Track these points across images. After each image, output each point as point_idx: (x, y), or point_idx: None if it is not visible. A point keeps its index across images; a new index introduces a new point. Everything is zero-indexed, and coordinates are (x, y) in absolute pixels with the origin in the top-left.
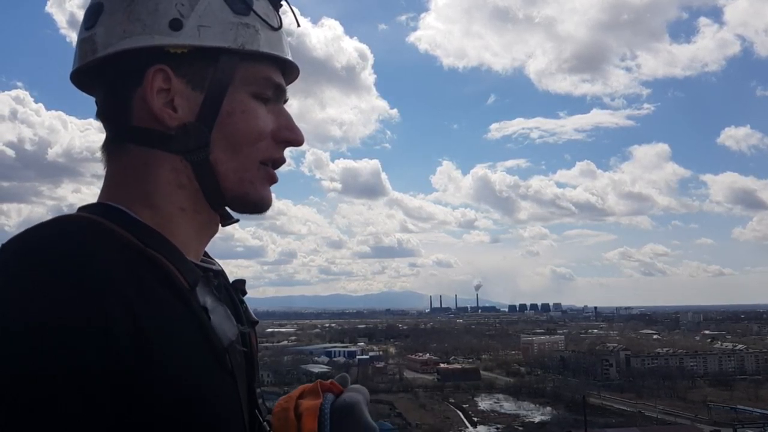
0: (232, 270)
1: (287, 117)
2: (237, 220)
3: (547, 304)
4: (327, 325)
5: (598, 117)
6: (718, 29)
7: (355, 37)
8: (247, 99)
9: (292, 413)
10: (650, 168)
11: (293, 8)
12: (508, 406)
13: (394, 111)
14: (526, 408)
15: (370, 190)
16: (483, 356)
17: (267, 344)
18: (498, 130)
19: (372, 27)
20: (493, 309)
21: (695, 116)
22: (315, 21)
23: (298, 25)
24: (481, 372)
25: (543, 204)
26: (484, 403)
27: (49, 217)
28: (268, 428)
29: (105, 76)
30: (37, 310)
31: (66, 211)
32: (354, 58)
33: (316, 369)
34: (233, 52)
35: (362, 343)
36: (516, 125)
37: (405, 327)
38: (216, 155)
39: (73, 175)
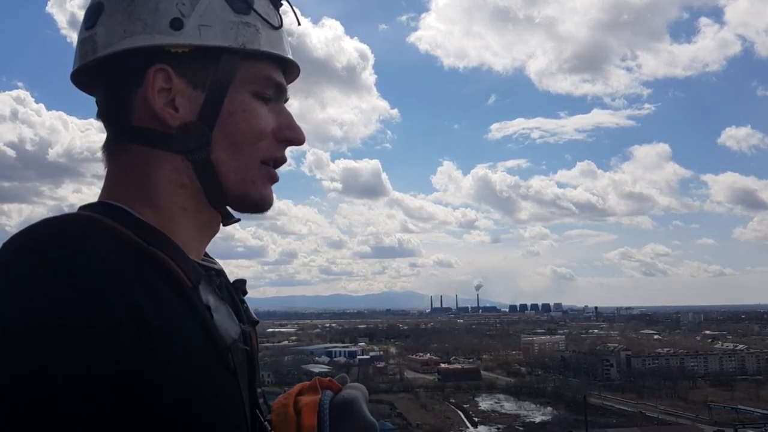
0: (233, 270)
1: (288, 116)
2: (238, 220)
3: (548, 304)
4: (327, 325)
5: (598, 117)
6: (719, 29)
7: (356, 38)
8: (248, 98)
9: (292, 409)
10: (651, 168)
11: (294, 7)
12: (508, 406)
13: (395, 111)
14: (526, 408)
15: (370, 190)
16: (483, 356)
17: (268, 344)
18: (498, 130)
19: (372, 27)
20: (493, 309)
21: (696, 116)
22: (315, 21)
23: (299, 24)
24: (482, 372)
25: (543, 204)
26: (484, 403)
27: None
28: (269, 428)
29: (105, 76)
30: (38, 309)
31: (67, 211)
32: (354, 58)
33: (316, 369)
34: (234, 51)
35: (363, 343)
36: (516, 125)
37: (405, 327)
38: (217, 155)
39: (74, 175)
